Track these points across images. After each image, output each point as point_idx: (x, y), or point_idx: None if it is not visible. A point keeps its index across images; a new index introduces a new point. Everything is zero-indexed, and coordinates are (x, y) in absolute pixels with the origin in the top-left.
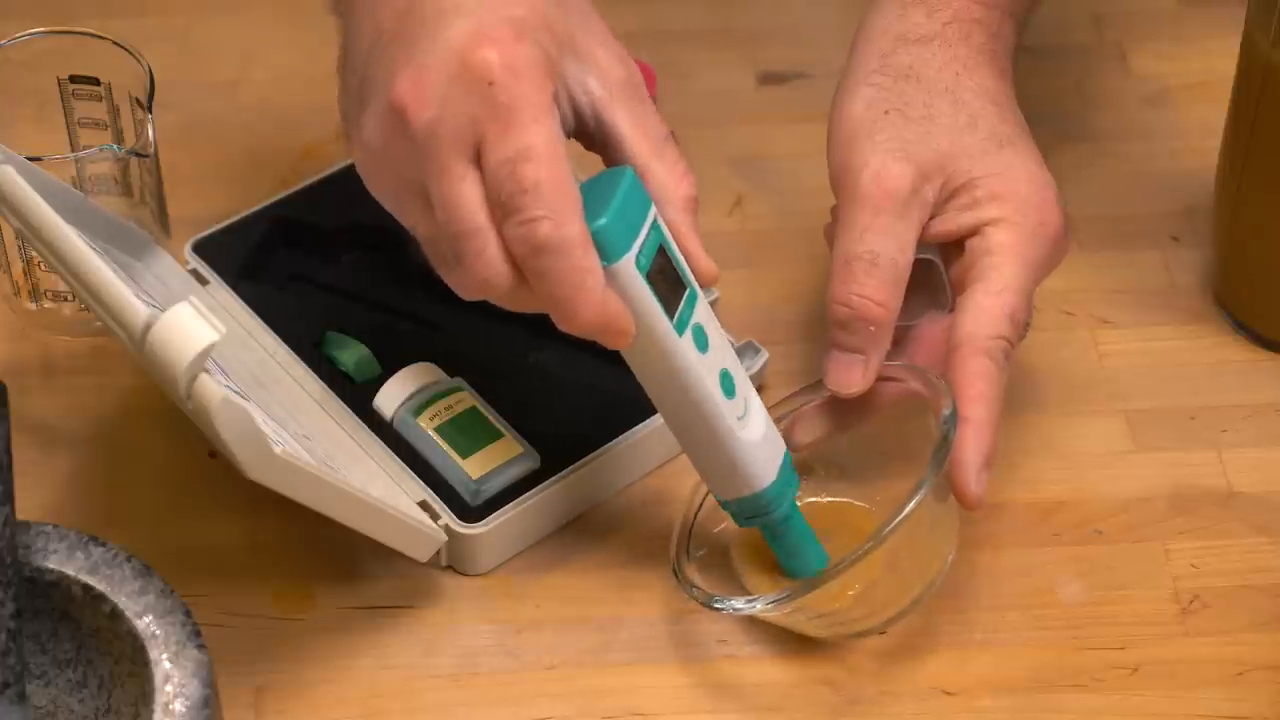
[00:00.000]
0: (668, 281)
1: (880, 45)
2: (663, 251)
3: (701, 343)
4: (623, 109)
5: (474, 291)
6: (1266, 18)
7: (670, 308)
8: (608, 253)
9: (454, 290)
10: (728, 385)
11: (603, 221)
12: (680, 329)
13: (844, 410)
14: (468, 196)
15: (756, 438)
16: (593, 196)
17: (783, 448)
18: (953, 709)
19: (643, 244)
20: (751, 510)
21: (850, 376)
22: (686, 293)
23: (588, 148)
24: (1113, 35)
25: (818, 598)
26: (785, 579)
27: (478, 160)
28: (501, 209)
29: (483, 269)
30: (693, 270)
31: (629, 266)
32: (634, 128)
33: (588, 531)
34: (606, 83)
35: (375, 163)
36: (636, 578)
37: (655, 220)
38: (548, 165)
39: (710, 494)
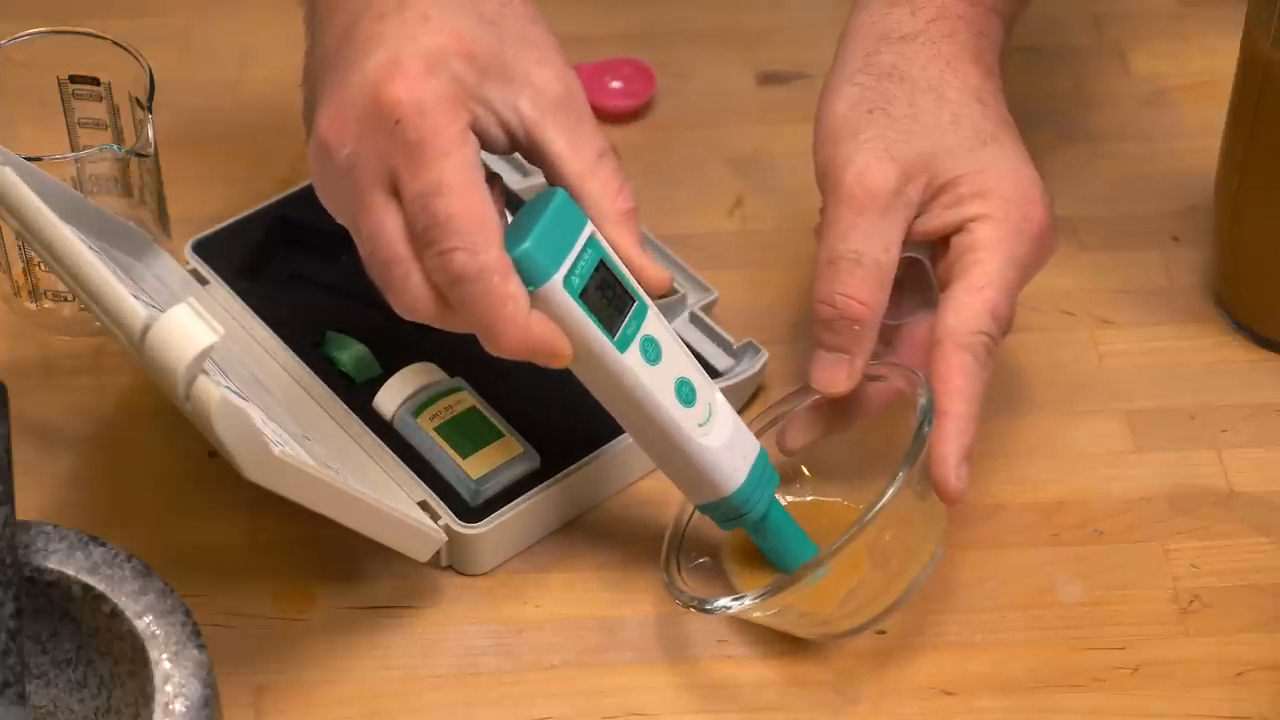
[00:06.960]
0: (610, 298)
1: (864, 44)
2: (603, 267)
3: (652, 355)
4: (555, 128)
5: (404, 314)
6: (1266, 17)
7: (612, 324)
8: (532, 277)
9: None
10: (685, 394)
11: (524, 247)
12: (625, 344)
13: (834, 412)
14: (388, 228)
15: (720, 443)
16: (523, 221)
17: (756, 448)
18: (953, 709)
19: (574, 264)
20: (726, 513)
21: (835, 376)
22: (635, 306)
23: (531, 163)
24: (1112, 35)
25: (801, 594)
26: (775, 578)
27: (397, 192)
28: (419, 241)
29: (406, 297)
30: (639, 282)
31: (557, 289)
32: (567, 146)
33: (588, 531)
34: (539, 102)
35: (317, 186)
36: (636, 578)
37: (592, 238)
38: (460, 197)
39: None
